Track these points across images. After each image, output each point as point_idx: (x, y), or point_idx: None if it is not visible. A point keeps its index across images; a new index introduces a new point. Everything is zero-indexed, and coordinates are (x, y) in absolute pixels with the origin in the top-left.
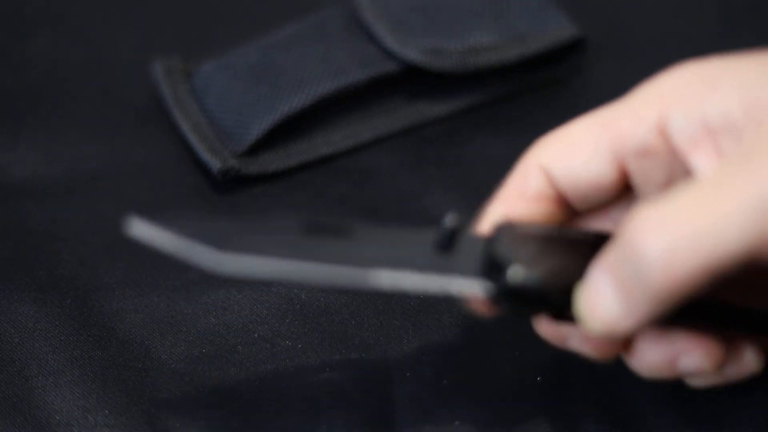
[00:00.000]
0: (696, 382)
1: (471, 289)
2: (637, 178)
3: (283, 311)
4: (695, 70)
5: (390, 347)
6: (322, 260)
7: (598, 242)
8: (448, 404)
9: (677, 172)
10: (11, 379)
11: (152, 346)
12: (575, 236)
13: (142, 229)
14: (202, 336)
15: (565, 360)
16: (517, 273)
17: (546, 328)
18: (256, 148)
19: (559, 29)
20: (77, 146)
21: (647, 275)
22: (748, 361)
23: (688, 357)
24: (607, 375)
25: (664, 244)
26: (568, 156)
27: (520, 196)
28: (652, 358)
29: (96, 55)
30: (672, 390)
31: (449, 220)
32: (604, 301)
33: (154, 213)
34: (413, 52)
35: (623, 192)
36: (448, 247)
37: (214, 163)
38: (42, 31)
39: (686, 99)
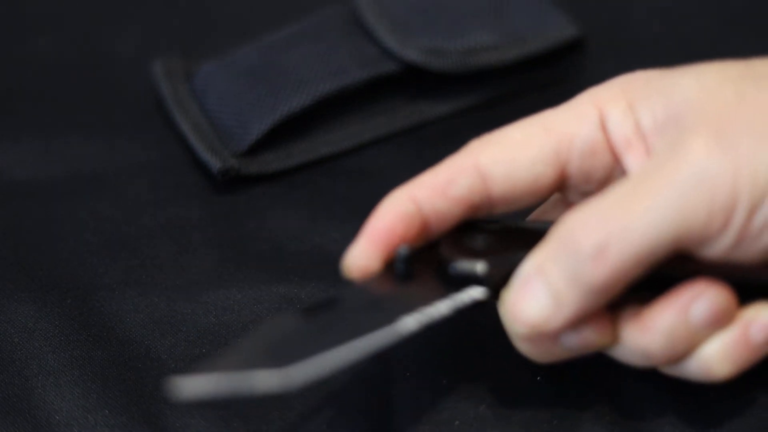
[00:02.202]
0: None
1: (474, 296)
2: (577, 181)
3: (282, 311)
4: (625, 80)
5: (390, 347)
6: (357, 333)
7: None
8: (448, 404)
9: (616, 172)
10: (11, 379)
11: (152, 346)
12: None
13: (193, 386)
14: (202, 336)
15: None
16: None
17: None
18: (256, 148)
19: (559, 29)
20: (77, 146)
21: (581, 270)
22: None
23: (701, 299)
24: (607, 375)
25: (597, 239)
26: (510, 158)
27: (442, 193)
28: (661, 318)
29: (96, 55)
30: (672, 390)
31: (402, 250)
32: (533, 300)
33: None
34: (413, 52)
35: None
36: (408, 276)
37: (214, 163)
38: (42, 31)
39: (619, 102)
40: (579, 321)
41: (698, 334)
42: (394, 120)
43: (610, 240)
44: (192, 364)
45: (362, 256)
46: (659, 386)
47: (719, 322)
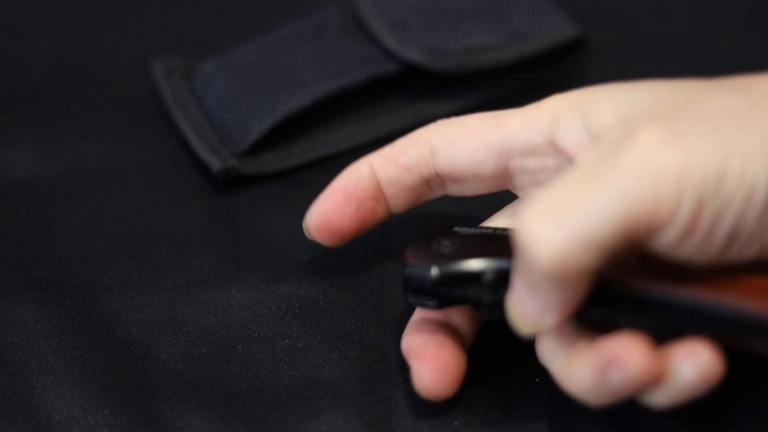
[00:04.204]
0: (654, 401)
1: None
2: (521, 176)
3: (282, 310)
4: (583, 90)
5: (390, 347)
6: None
7: None
8: (448, 404)
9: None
10: (11, 379)
11: (152, 346)
12: (509, 234)
13: None
14: (202, 336)
15: None
16: (409, 270)
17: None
18: (256, 148)
19: (559, 29)
20: (77, 146)
21: (540, 267)
22: (702, 363)
23: (617, 367)
24: None
25: (548, 234)
26: (456, 139)
27: (394, 160)
28: (585, 372)
29: (96, 55)
30: None
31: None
32: (523, 303)
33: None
34: (413, 52)
35: (499, 186)
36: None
37: (214, 163)
38: (42, 31)
39: (574, 109)
40: (569, 313)
41: (618, 394)
42: (394, 120)
43: (558, 233)
44: (192, 364)
45: (319, 212)
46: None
47: (638, 389)
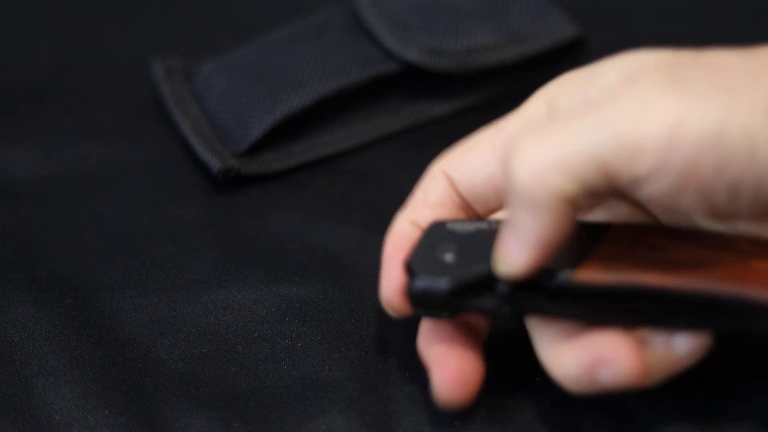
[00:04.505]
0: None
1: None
2: None
3: (282, 310)
4: (578, 70)
5: (390, 347)
6: None
7: None
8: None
9: None
10: (11, 379)
11: (152, 346)
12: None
13: None
14: (202, 336)
15: None
16: (419, 284)
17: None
18: (256, 148)
19: (559, 29)
20: (77, 146)
21: (514, 188)
22: (679, 352)
23: (605, 367)
24: None
25: (525, 155)
26: (466, 161)
27: (425, 204)
28: (571, 365)
29: (96, 55)
30: (672, 390)
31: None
32: (503, 240)
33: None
34: (413, 52)
35: None
36: None
37: (214, 163)
38: (42, 31)
39: (570, 89)
40: (543, 254)
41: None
42: (394, 120)
43: (540, 162)
44: (192, 364)
45: (389, 291)
46: (660, 387)
47: (625, 387)
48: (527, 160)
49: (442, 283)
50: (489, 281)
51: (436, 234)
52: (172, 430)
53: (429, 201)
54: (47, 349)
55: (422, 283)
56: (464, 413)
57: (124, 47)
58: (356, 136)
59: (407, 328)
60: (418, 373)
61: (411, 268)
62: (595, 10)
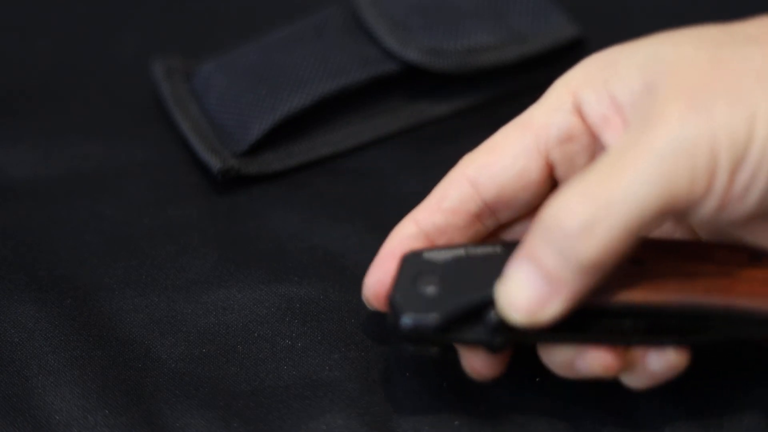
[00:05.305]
0: (629, 383)
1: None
2: (563, 168)
3: (283, 310)
4: (599, 57)
5: (390, 347)
6: None
7: (507, 252)
8: (448, 404)
9: (598, 153)
10: (11, 379)
11: (152, 346)
12: (483, 252)
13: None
14: (202, 336)
15: None
16: (407, 321)
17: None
18: (256, 148)
19: (559, 29)
20: (77, 146)
21: (572, 249)
22: (666, 358)
23: (582, 360)
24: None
25: (584, 216)
26: (492, 161)
27: (437, 209)
28: (555, 357)
29: (96, 55)
30: (672, 390)
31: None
32: (527, 287)
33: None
34: (413, 52)
35: (549, 192)
36: None
37: (214, 163)
38: (42, 31)
39: (594, 82)
40: (575, 305)
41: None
42: (394, 120)
43: (596, 215)
44: (192, 364)
45: (374, 282)
46: (660, 387)
47: (603, 378)
48: (594, 234)
49: (431, 320)
50: (477, 313)
51: (414, 265)
52: (172, 430)
53: (442, 206)
54: (47, 349)
55: (410, 320)
56: (464, 413)
57: (124, 47)
58: (356, 136)
59: None
60: (418, 373)
61: (395, 304)
62: (595, 10)
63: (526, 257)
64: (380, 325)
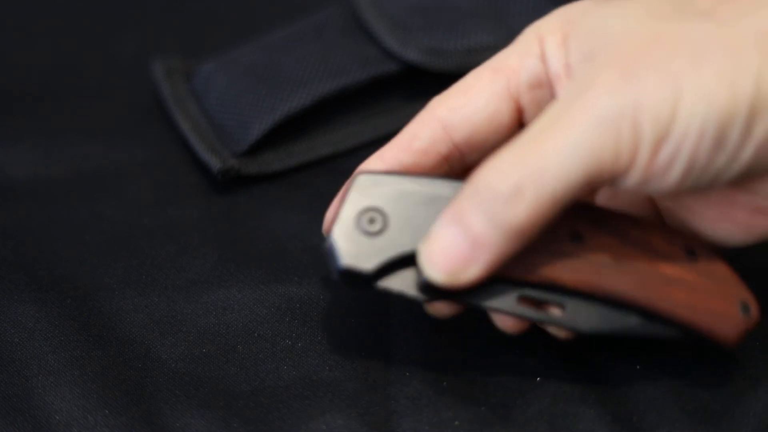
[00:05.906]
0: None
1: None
2: (531, 113)
3: (282, 310)
4: (568, 9)
5: (390, 347)
6: None
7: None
8: (448, 404)
9: None
10: (11, 379)
11: (152, 346)
12: (432, 192)
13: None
14: (202, 336)
15: (564, 360)
16: (341, 266)
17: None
18: (256, 148)
19: None
20: (77, 146)
21: (499, 213)
22: None
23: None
24: (607, 375)
25: (512, 181)
26: (464, 103)
27: (407, 148)
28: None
29: (96, 55)
30: (672, 389)
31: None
32: (450, 248)
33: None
34: (413, 52)
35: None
36: None
37: (214, 163)
38: (42, 31)
39: (556, 36)
40: (496, 269)
41: None
42: (394, 120)
43: (524, 181)
44: (192, 364)
45: (332, 215)
46: (660, 386)
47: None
48: (522, 199)
49: (364, 268)
50: (411, 263)
51: (362, 195)
52: (172, 430)
53: (413, 146)
54: (47, 349)
55: (343, 266)
56: (465, 413)
57: (124, 47)
58: (356, 136)
59: (408, 329)
60: (418, 373)
61: (333, 245)
62: None
63: (452, 217)
64: (380, 325)
